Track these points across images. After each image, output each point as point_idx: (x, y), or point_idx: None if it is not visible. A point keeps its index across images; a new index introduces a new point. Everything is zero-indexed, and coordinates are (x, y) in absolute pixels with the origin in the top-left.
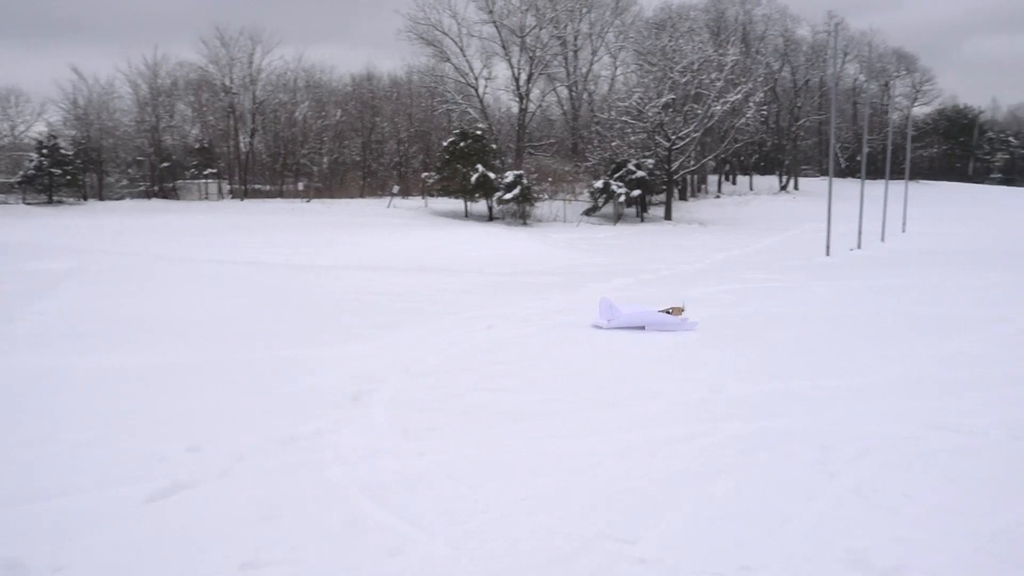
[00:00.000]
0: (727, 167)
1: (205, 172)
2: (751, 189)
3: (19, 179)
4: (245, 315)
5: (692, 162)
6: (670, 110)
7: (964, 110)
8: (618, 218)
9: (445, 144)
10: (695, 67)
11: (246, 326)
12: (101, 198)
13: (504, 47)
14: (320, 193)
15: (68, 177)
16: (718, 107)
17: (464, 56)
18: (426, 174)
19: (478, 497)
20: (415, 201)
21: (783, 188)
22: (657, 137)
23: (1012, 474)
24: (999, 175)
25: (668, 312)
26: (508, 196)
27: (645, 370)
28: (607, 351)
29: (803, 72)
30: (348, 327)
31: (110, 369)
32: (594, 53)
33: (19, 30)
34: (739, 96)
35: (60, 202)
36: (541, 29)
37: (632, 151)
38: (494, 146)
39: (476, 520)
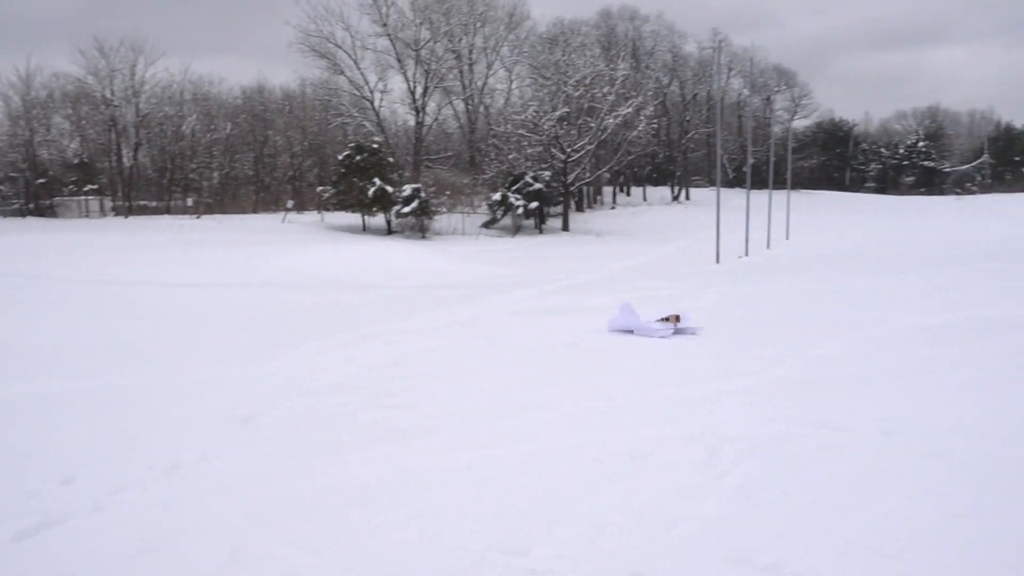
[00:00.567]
0: (621, 179)
1: (86, 188)
2: (645, 200)
3: None
4: (130, 338)
5: (587, 174)
6: (565, 123)
7: (840, 123)
8: (517, 230)
9: (341, 158)
10: (588, 81)
11: (131, 349)
12: None
13: (399, 60)
14: (211, 209)
15: None
16: (611, 120)
17: (359, 69)
18: (322, 188)
19: (371, 517)
20: (311, 216)
21: (675, 199)
22: (553, 150)
23: (882, 469)
24: (873, 184)
25: (667, 320)
26: (406, 210)
27: (542, 381)
28: (504, 362)
29: (691, 86)
30: (240, 347)
31: None
32: (489, 67)
33: None
34: (630, 110)
35: None
36: (436, 43)
37: (529, 164)
38: (391, 159)
39: (369, 540)
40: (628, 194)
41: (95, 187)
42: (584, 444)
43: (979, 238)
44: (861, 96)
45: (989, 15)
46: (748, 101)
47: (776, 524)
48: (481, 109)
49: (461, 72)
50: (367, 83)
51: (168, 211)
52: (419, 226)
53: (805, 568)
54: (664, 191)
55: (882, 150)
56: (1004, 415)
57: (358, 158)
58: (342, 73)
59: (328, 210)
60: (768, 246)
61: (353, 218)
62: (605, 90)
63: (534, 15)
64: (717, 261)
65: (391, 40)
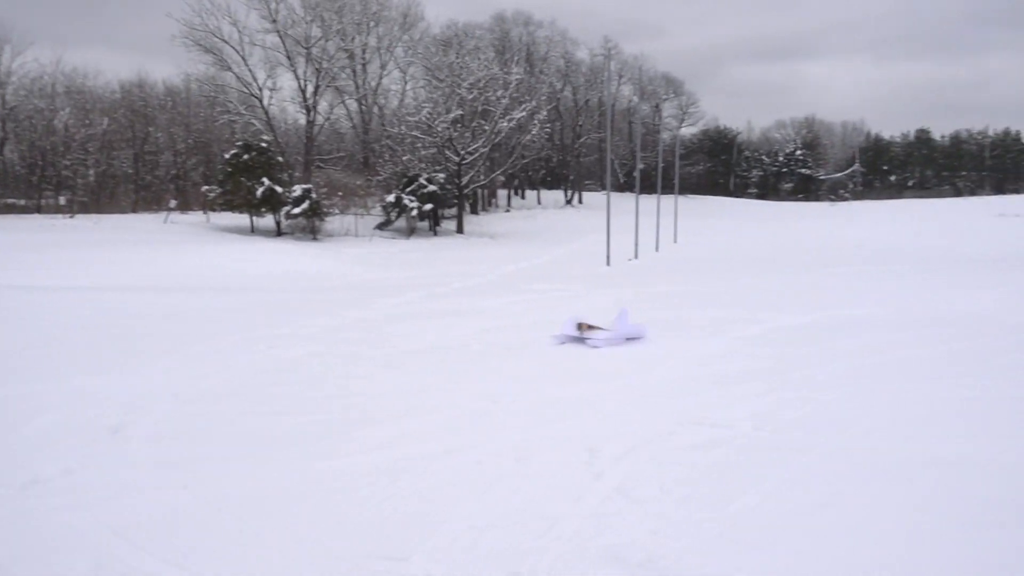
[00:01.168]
0: (516, 182)
1: None
2: (539, 203)
3: None
4: None
5: (482, 177)
6: (459, 125)
7: (724, 131)
8: (411, 232)
9: (228, 156)
10: (481, 84)
11: None
12: None
13: (289, 58)
14: (86, 208)
15: None
16: (504, 124)
17: (247, 66)
18: (207, 187)
19: (244, 528)
20: (196, 216)
21: (568, 202)
22: (447, 152)
23: (752, 462)
24: (755, 190)
25: (579, 327)
26: (297, 211)
27: (426, 384)
28: (388, 366)
29: (583, 92)
30: (112, 354)
31: None
32: (383, 67)
33: None
34: (524, 113)
35: None
36: (327, 41)
37: (423, 166)
38: (281, 159)
39: (240, 551)
40: (523, 197)
41: None
42: (466, 446)
43: (850, 242)
44: (744, 105)
45: (856, 33)
46: (638, 108)
47: (650, 520)
48: (375, 110)
49: (354, 71)
50: (255, 80)
51: (39, 210)
52: (310, 227)
53: (673, 562)
54: (558, 195)
55: (763, 157)
56: (864, 409)
57: (246, 157)
58: (229, 69)
59: (214, 210)
60: (657, 249)
61: (241, 219)
62: (499, 93)
63: (428, 16)
64: (608, 264)
65: (281, 37)
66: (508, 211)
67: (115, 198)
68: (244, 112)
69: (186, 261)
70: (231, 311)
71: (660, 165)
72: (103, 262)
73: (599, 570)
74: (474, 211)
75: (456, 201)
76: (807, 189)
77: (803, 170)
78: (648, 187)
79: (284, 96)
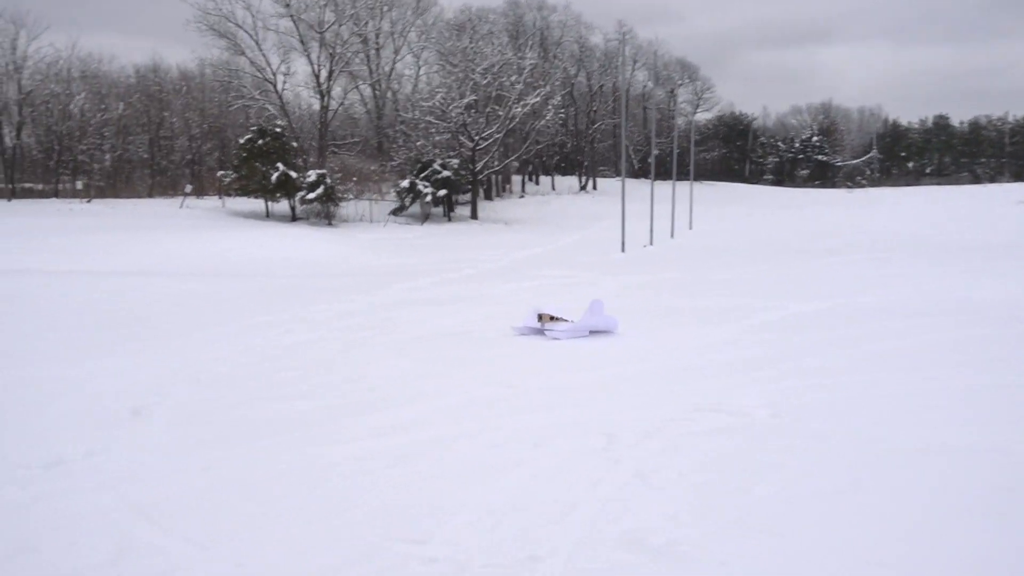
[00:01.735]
0: (530, 168)
1: None
2: (553, 189)
3: None
4: (7, 330)
5: (496, 162)
6: (472, 111)
7: (740, 117)
8: (425, 218)
9: (242, 141)
10: (495, 69)
11: (8, 343)
12: None
13: (303, 42)
14: (103, 193)
15: None
16: (518, 109)
17: (260, 50)
18: (222, 172)
19: (266, 510)
20: (212, 201)
21: (583, 188)
22: (461, 137)
23: (769, 449)
24: (770, 176)
25: (539, 319)
26: (311, 196)
27: (439, 369)
28: (401, 351)
29: (598, 77)
30: (131, 337)
31: None
32: (396, 52)
33: None
34: (538, 99)
35: None
36: (341, 25)
37: (437, 151)
38: (295, 144)
39: (260, 533)
40: (537, 183)
41: None
42: (481, 431)
43: (866, 229)
44: (760, 91)
45: (874, 18)
46: (652, 93)
47: (669, 506)
48: (389, 95)
49: (368, 56)
50: (269, 65)
51: (56, 194)
52: (325, 213)
53: (693, 547)
54: (572, 180)
55: (779, 144)
56: (881, 397)
57: (260, 142)
58: (243, 54)
59: (229, 195)
60: (672, 235)
61: (256, 204)
62: (513, 79)
63: (441, 1)
64: (623, 250)
65: (294, 21)
66: (522, 197)
67: (131, 183)
68: (258, 97)
69: (202, 247)
70: (246, 296)
71: (675, 151)
72: (120, 246)
73: (618, 554)
74: (488, 197)
75: (470, 187)
76: (824, 176)
77: (820, 156)
78: (663, 173)
79: (298, 81)
